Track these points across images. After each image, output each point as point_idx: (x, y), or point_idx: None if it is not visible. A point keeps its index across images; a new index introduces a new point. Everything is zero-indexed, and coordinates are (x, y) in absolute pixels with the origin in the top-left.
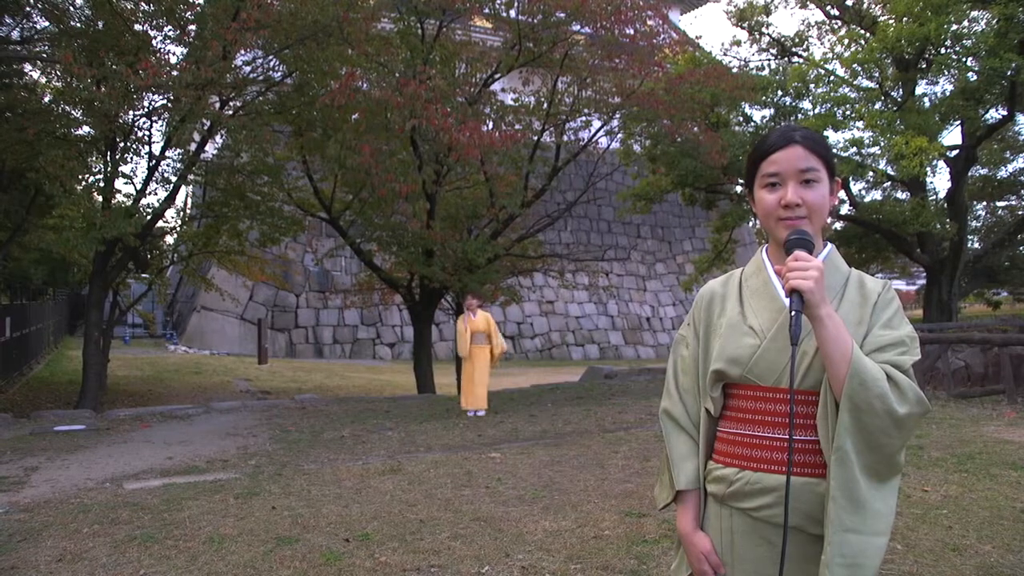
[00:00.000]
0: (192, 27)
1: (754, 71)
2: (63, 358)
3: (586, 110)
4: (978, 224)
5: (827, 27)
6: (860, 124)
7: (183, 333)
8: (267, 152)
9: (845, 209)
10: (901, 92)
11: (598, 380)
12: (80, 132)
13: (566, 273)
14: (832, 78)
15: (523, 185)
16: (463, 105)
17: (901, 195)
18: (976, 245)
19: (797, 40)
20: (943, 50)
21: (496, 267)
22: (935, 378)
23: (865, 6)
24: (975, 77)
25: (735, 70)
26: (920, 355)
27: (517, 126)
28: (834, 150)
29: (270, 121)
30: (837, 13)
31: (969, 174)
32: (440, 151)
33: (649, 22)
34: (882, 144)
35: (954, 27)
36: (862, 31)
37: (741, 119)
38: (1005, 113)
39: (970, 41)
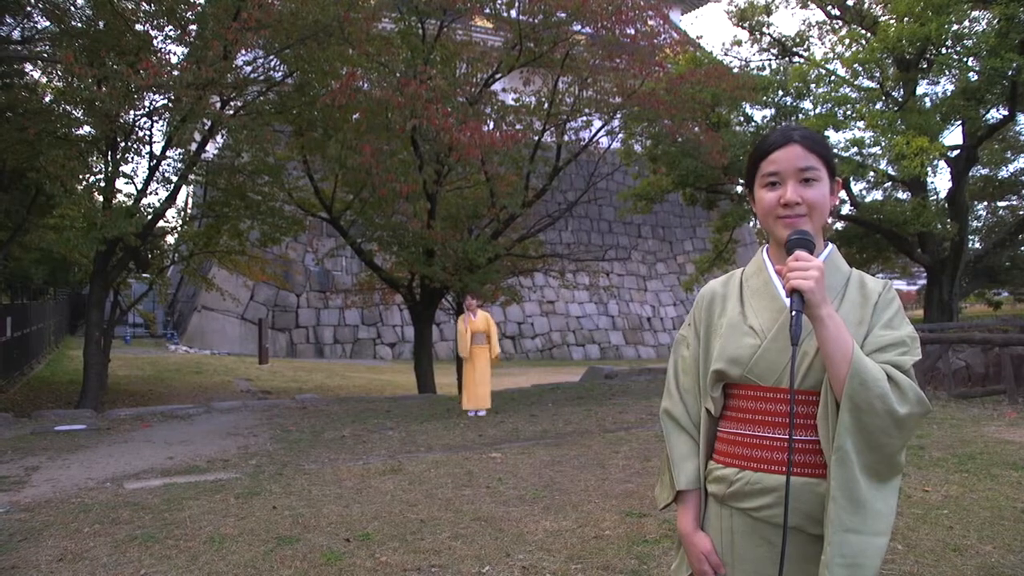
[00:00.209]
0: (193, 27)
1: (755, 71)
2: (64, 358)
3: (587, 110)
4: (979, 224)
5: (828, 27)
6: (861, 124)
7: (184, 333)
8: (268, 152)
9: (846, 209)
10: (902, 92)
11: (599, 380)
12: (81, 132)
13: (567, 273)
14: (833, 78)
15: (524, 185)
16: (464, 105)
17: (902, 195)
18: (977, 245)
19: (798, 40)
20: (944, 50)
21: (497, 267)
22: (936, 378)
23: (866, 6)
24: (976, 77)
25: (736, 70)
26: (921, 355)
27: (518, 126)
28: (835, 150)
29: (271, 121)
30: (838, 13)
31: (970, 174)
32: (441, 151)
33: (650, 22)
34: (883, 144)
35: (955, 27)
36: (863, 31)
37: (742, 119)
38: (1006, 113)
39: (971, 41)
